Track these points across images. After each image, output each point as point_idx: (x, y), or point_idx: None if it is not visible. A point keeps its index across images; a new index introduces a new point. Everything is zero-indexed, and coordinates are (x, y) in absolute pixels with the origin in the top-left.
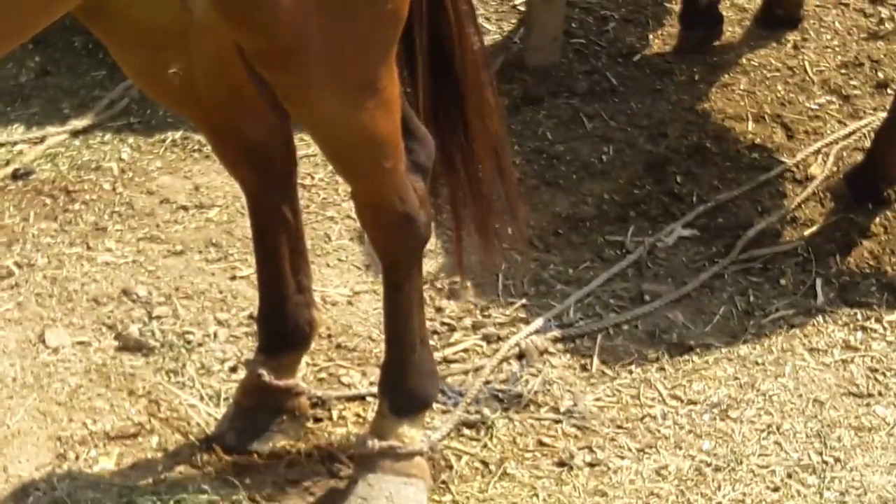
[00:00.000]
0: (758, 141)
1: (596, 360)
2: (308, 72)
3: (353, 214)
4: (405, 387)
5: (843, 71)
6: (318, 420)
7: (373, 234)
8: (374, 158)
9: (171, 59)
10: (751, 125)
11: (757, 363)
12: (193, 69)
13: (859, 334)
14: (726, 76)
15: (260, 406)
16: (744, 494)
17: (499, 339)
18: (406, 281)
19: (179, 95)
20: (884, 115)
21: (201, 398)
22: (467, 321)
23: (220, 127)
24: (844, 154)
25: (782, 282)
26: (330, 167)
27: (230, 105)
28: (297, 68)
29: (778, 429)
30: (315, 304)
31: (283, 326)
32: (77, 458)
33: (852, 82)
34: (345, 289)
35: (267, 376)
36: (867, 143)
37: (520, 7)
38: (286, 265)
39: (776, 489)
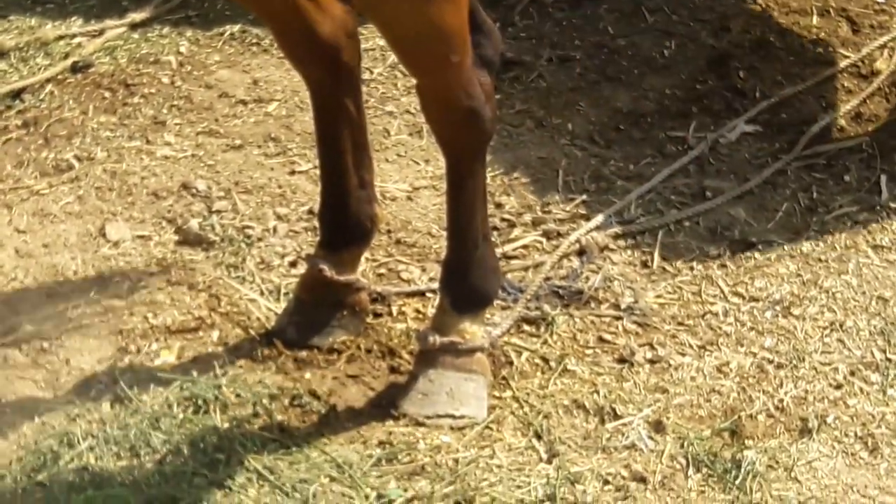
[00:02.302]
0: (822, 35)
1: (657, 257)
2: None
3: (413, 109)
4: (467, 283)
5: None
6: (377, 315)
7: (438, 129)
8: (441, 52)
9: None
10: (815, 19)
11: (820, 260)
12: None
13: None
14: None
15: (320, 301)
16: (806, 392)
17: (559, 235)
18: (469, 177)
19: None
20: None
21: (261, 293)
22: (527, 217)
23: (286, 21)
24: None
25: (846, 178)
26: (389, 61)
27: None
28: None
29: (841, 326)
30: (377, 200)
31: (345, 221)
32: (138, 351)
33: None
34: (404, 184)
35: (328, 271)
36: None
37: None
38: (349, 160)
39: (839, 387)
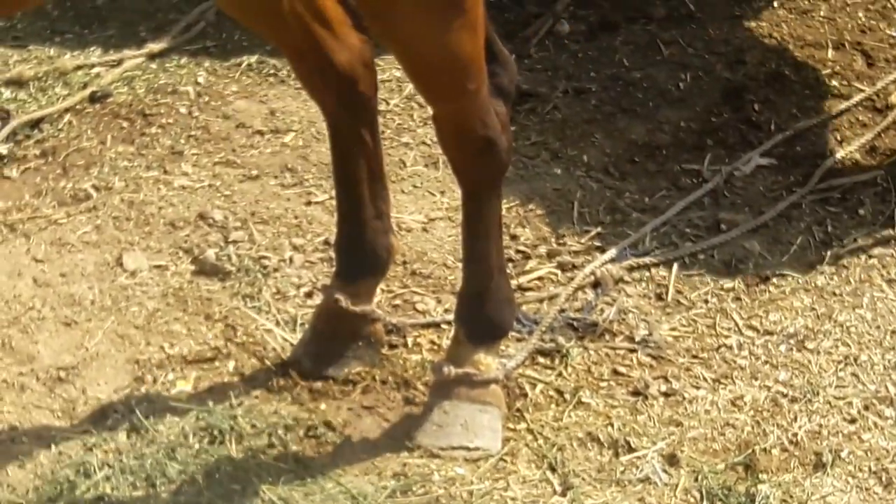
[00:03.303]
0: (837, 69)
1: (671, 290)
2: None
3: (429, 141)
4: (482, 314)
5: None
6: (392, 347)
7: (454, 158)
8: (458, 80)
9: None
10: (830, 52)
11: (834, 294)
12: None
13: None
14: (806, 2)
15: (336, 332)
16: (820, 426)
17: (574, 267)
18: (485, 207)
19: (264, 16)
20: None
21: (277, 323)
22: (542, 249)
23: (303, 49)
24: None
25: (861, 212)
26: (406, 92)
27: (313, 27)
28: None
29: (855, 360)
30: (393, 231)
31: (361, 252)
32: (154, 381)
33: None
34: (419, 215)
35: (343, 302)
36: None
37: None
38: (365, 190)
39: (853, 421)
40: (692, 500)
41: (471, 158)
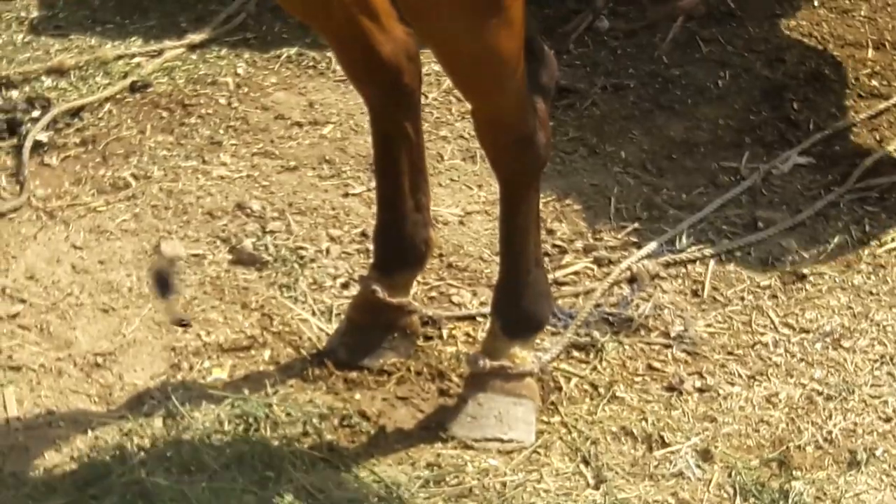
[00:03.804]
0: (877, 68)
1: (708, 286)
2: None
3: (466, 135)
4: (518, 308)
5: None
6: (428, 338)
7: (491, 153)
8: (495, 77)
9: None
10: (870, 52)
11: (871, 293)
12: None
13: None
14: (846, 2)
15: (372, 322)
16: (855, 424)
17: (610, 262)
18: (523, 202)
19: (310, 4)
20: None
21: (313, 313)
22: (579, 244)
23: (348, 40)
24: None
25: None
26: (444, 86)
27: (360, 18)
28: None
29: (891, 359)
30: (432, 224)
31: (399, 244)
32: (191, 368)
33: None
34: (456, 208)
35: (381, 293)
36: None
37: None
38: (405, 183)
39: (888, 420)
40: (725, 495)
41: (508, 154)
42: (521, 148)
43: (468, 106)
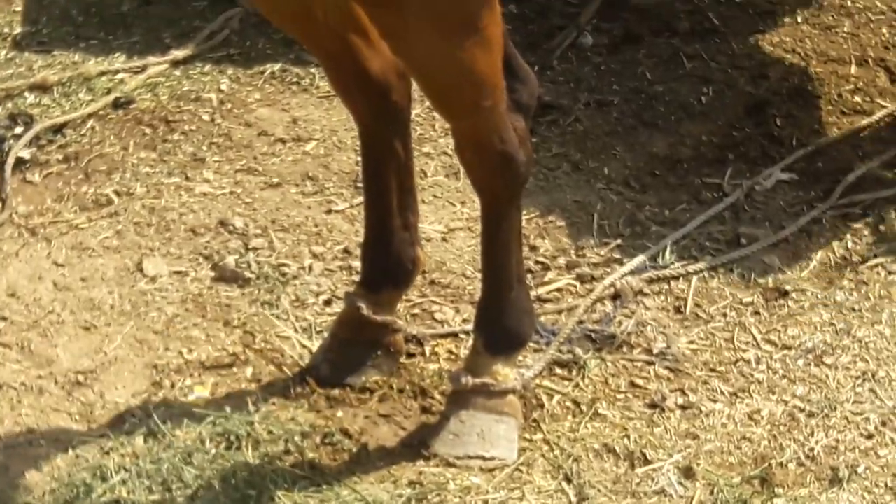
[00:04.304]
0: (860, 85)
1: (690, 303)
2: (406, 10)
3: (449, 151)
4: (501, 325)
5: None
6: (410, 355)
7: (472, 172)
8: (472, 97)
9: None
10: (853, 68)
11: (853, 310)
12: None
13: None
14: (829, 18)
15: (356, 339)
16: (837, 441)
17: (593, 279)
18: (504, 219)
19: (299, 20)
20: None
21: (295, 330)
22: (561, 260)
23: (337, 55)
24: None
25: (882, 228)
26: (427, 103)
27: (349, 34)
28: (395, 6)
29: (873, 376)
30: (419, 243)
31: (386, 262)
32: (172, 386)
33: None
34: (440, 225)
35: (366, 310)
36: None
37: None
38: (394, 200)
39: (870, 436)
40: None
41: (488, 173)
42: (501, 166)
43: None
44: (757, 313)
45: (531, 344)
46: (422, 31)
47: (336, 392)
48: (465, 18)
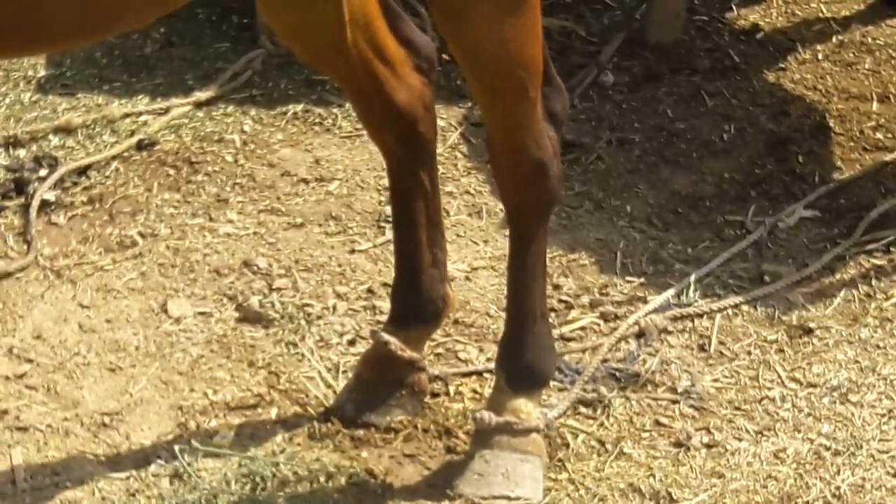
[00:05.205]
0: (881, 121)
1: (714, 341)
2: None
3: (472, 190)
4: (523, 360)
5: None
6: (434, 395)
7: (505, 182)
8: (520, 81)
9: (321, 18)
10: (875, 105)
11: (878, 347)
12: (341, 28)
13: None
14: (850, 55)
15: (381, 378)
16: (863, 479)
17: (616, 317)
18: (532, 241)
19: (326, 53)
20: None
21: (320, 371)
22: (585, 299)
23: (365, 88)
24: None
25: None
26: (450, 142)
27: (375, 64)
28: None
29: None
30: (448, 281)
31: (416, 299)
32: (197, 427)
33: None
34: (463, 264)
35: (394, 346)
36: None
37: None
38: (422, 235)
39: None
40: None
41: (522, 182)
42: (534, 174)
43: (474, 161)
44: (781, 351)
45: (555, 383)
46: (483, 10)
47: (361, 432)
48: None
